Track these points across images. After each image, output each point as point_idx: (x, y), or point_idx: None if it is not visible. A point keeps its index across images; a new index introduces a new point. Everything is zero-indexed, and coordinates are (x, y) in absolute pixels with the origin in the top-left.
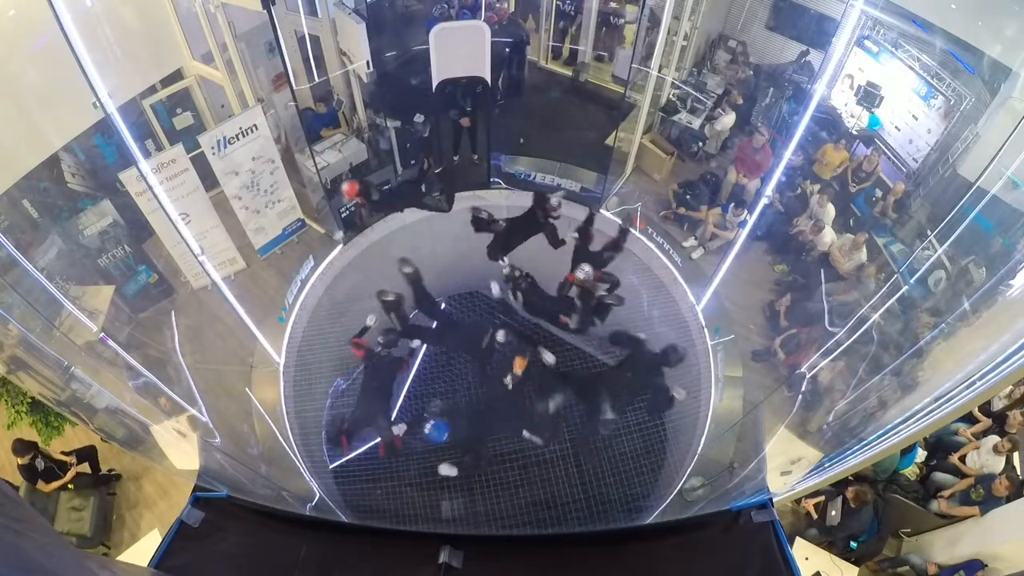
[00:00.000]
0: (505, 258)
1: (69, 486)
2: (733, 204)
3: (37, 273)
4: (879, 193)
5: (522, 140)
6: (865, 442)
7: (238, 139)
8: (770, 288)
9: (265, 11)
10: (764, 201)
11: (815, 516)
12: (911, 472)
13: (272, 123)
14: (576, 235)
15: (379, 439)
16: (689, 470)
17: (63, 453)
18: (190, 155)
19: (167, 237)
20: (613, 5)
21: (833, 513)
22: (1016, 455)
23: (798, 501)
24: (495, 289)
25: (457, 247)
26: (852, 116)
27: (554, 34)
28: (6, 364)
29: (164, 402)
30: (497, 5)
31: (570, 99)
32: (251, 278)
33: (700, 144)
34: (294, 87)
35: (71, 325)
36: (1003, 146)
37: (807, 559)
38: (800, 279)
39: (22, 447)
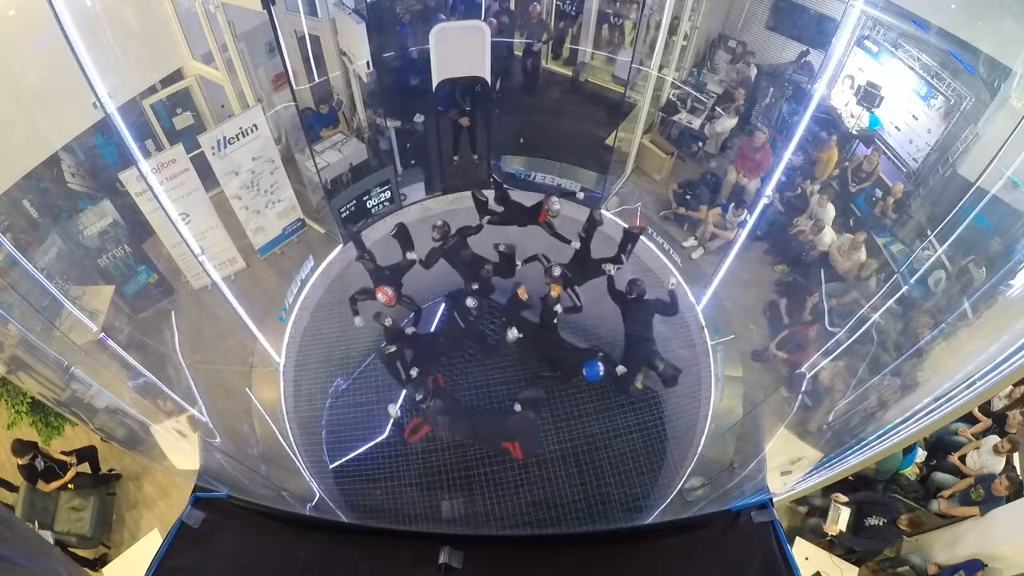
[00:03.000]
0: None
1: (69, 486)
2: (733, 204)
3: (37, 273)
4: (879, 193)
5: (522, 140)
6: (865, 442)
7: (238, 139)
8: (770, 288)
9: (265, 11)
10: (764, 201)
11: (835, 532)
12: (911, 472)
13: (272, 123)
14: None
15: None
16: (689, 470)
17: (63, 453)
18: (190, 155)
19: (167, 237)
20: (616, 5)
21: (842, 529)
22: (1016, 455)
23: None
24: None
25: None
26: (852, 116)
27: (554, 34)
28: (6, 364)
29: (164, 403)
30: (532, 7)
31: (570, 99)
32: (251, 278)
33: (700, 144)
34: (294, 87)
35: (71, 325)
36: (1003, 146)
37: (807, 559)
38: (800, 279)
39: (21, 447)
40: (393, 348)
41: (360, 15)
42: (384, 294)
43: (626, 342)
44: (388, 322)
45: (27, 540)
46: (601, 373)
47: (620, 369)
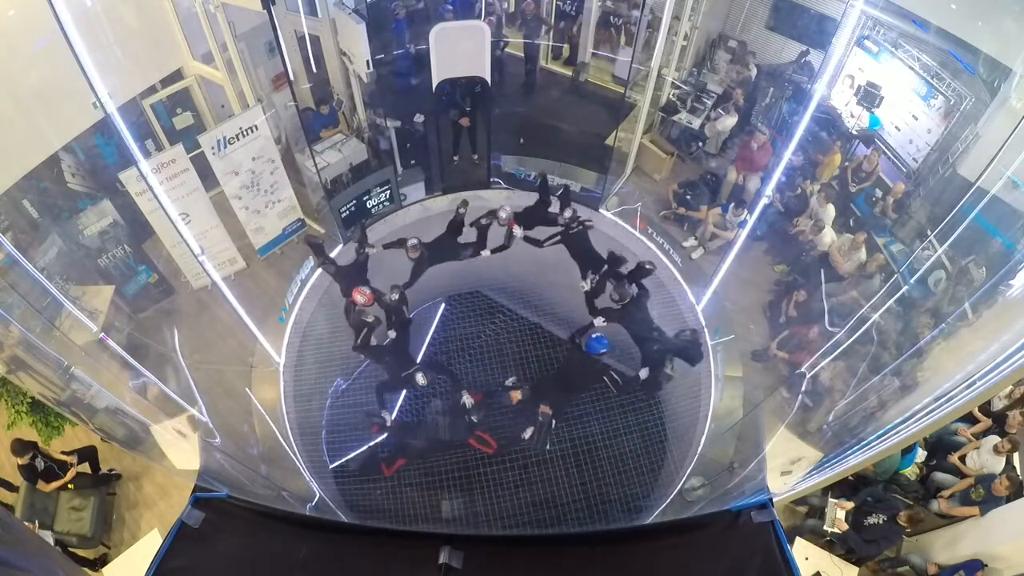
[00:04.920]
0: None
1: (69, 486)
2: (733, 204)
3: (37, 273)
4: (879, 193)
5: (522, 140)
6: (865, 442)
7: (238, 139)
8: (770, 288)
9: (265, 11)
10: (764, 201)
11: (844, 530)
12: (911, 472)
13: (272, 123)
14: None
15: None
16: (689, 470)
17: (63, 453)
18: (190, 155)
19: (167, 237)
20: (611, 5)
21: (839, 517)
22: (1016, 455)
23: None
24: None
25: None
26: (852, 116)
27: (554, 34)
28: (6, 364)
29: (155, 392)
30: (527, 2)
31: (570, 99)
32: (251, 278)
33: (700, 144)
34: (294, 87)
35: (71, 325)
36: (1003, 146)
37: (807, 559)
38: (800, 279)
39: (21, 447)
40: (371, 319)
41: (360, 15)
42: (363, 294)
43: (638, 344)
44: (394, 296)
45: (25, 542)
46: (606, 341)
47: (643, 373)
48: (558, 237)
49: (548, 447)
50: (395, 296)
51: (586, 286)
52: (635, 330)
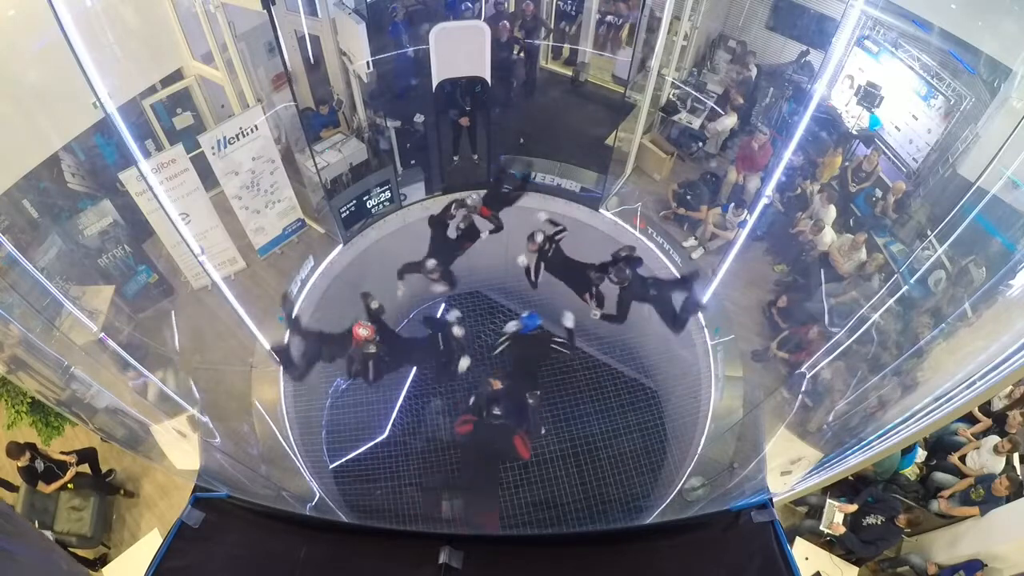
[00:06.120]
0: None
1: (69, 486)
2: (733, 204)
3: (37, 273)
4: (879, 193)
5: (522, 140)
6: (865, 442)
7: (238, 139)
8: (770, 288)
9: (265, 11)
10: (764, 201)
11: (840, 533)
12: (911, 472)
13: (272, 123)
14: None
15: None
16: (689, 470)
17: (63, 453)
18: (190, 155)
19: (167, 237)
20: (621, 7)
21: (837, 521)
22: (1016, 455)
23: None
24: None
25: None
26: (852, 116)
27: (554, 34)
28: (6, 364)
29: (155, 392)
30: (526, 4)
31: (570, 99)
32: (251, 278)
33: (700, 144)
34: (294, 87)
35: (71, 325)
36: (1003, 146)
37: (807, 559)
38: (800, 279)
39: (16, 449)
40: (373, 349)
41: (360, 15)
42: (365, 327)
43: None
44: (375, 304)
45: (28, 534)
46: (536, 314)
47: (568, 320)
48: (542, 266)
49: (543, 432)
50: (374, 304)
51: (597, 314)
52: (640, 294)
